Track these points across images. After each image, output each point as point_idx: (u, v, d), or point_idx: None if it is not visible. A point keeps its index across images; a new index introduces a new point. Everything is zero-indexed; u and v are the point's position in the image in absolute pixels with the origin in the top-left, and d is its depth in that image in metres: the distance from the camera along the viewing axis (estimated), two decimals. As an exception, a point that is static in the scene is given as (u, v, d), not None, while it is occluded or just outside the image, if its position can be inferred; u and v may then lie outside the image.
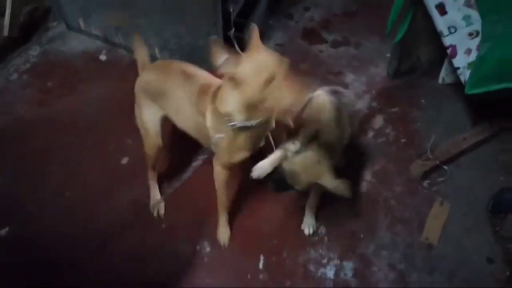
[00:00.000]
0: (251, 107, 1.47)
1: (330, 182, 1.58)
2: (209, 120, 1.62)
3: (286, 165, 1.61)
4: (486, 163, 2.34)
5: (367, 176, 2.26)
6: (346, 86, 2.71)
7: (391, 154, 2.36)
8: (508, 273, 1.94)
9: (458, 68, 2.21)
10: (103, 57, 2.79)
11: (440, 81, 2.68)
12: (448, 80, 2.65)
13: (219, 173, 1.79)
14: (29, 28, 2.89)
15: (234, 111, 1.51)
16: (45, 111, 2.49)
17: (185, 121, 1.77)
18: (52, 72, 2.69)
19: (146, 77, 1.84)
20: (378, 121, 2.52)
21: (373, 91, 2.66)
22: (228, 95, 1.49)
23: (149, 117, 1.85)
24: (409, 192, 2.21)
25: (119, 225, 2.03)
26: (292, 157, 1.61)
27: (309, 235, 2.02)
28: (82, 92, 2.60)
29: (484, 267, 1.98)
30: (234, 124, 1.53)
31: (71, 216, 2.07)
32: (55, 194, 2.14)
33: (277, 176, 1.64)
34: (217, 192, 1.87)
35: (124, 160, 2.28)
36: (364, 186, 2.22)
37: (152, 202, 2.09)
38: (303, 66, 2.79)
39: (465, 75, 2.16)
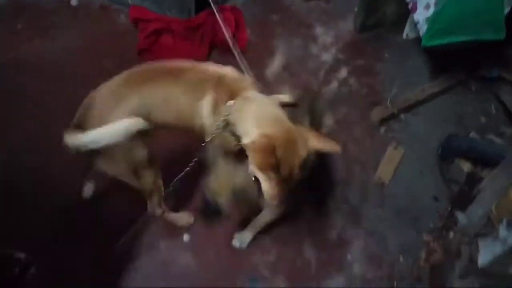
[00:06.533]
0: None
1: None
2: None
3: None
4: (441, 113, 2.52)
5: (330, 122, 2.39)
6: (315, 38, 2.80)
7: (353, 103, 2.49)
8: (449, 209, 2.14)
9: (418, 22, 2.33)
10: (74, 2, 2.76)
11: (404, 36, 2.78)
12: (412, 35, 2.75)
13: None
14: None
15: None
16: (13, 54, 2.46)
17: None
18: (21, 14, 2.64)
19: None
20: (343, 72, 2.64)
21: (340, 44, 2.76)
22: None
23: (139, 155, 1.57)
24: (367, 137, 2.36)
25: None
26: None
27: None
28: (53, 37, 2.58)
29: (430, 204, 2.18)
30: None
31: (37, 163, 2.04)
32: (22, 140, 2.11)
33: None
34: None
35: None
36: (326, 131, 2.35)
37: (184, 221, 1.97)
38: (275, 17, 2.85)
39: (423, 29, 2.28)
